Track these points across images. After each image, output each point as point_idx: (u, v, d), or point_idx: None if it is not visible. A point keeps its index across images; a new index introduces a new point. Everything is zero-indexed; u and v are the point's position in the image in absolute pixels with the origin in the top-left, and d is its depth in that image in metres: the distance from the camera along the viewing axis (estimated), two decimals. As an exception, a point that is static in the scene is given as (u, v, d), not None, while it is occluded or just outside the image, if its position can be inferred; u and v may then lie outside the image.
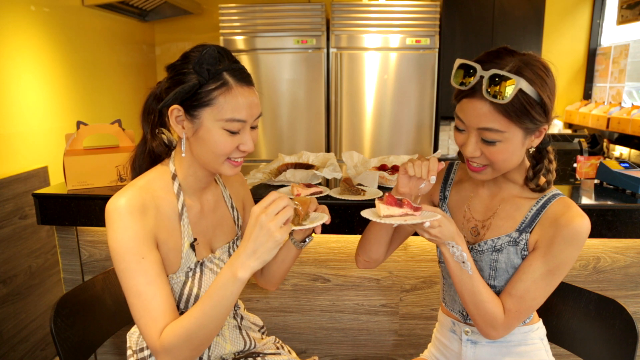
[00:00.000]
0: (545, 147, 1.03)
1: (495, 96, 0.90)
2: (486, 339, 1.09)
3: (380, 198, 1.01)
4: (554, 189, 1.05)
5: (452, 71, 0.98)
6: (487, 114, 0.92)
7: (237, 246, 1.14)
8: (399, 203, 0.99)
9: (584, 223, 0.97)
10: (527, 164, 1.06)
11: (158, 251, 0.97)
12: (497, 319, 1.02)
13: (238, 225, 1.18)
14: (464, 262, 1.00)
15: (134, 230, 0.92)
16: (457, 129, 1.01)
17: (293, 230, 1.15)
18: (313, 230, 1.16)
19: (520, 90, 0.89)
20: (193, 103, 0.95)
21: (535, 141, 0.99)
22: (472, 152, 0.97)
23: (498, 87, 0.90)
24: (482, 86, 0.91)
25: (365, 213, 1.02)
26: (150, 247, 0.94)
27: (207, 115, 0.95)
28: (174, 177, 1.03)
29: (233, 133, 0.96)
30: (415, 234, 1.22)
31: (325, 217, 1.03)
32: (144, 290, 0.91)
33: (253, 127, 1.01)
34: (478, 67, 0.93)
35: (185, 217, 1.02)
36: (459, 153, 1.15)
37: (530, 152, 1.03)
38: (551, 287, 1.01)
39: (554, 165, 1.04)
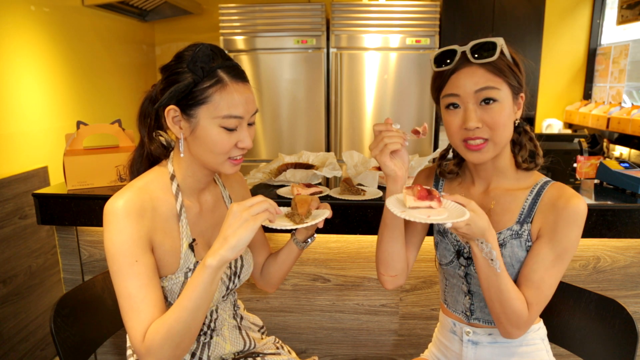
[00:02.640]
0: (522, 127, 1.08)
1: (483, 57, 0.97)
2: (506, 338, 1.07)
3: (410, 186, 0.95)
4: (544, 177, 1.07)
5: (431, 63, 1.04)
6: (482, 75, 0.97)
7: None
8: (430, 196, 0.92)
9: (581, 203, 0.98)
10: (511, 150, 1.09)
11: (152, 254, 0.97)
12: (522, 317, 1.00)
13: None
14: (492, 260, 0.96)
15: (129, 233, 0.93)
16: (450, 108, 1.01)
17: (296, 229, 1.15)
18: (315, 231, 1.16)
19: (501, 49, 0.97)
20: (189, 102, 0.95)
21: (518, 113, 1.03)
22: (475, 122, 0.97)
23: (483, 51, 0.97)
24: (467, 56, 0.98)
25: (390, 204, 0.95)
26: (144, 251, 0.95)
27: (203, 114, 0.95)
28: (173, 177, 1.03)
29: (230, 130, 0.96)
30: (430, 233, 1.21)
31: (327, 212, 1.03)
32: (135, 293, 0.92)
33: (250, 124, 1.01)
34: (456, 47, 1.00)
35: (184, 217, 1.02)
36: (439, 165, 1.17)
37: (516, 123, 1.05)
38: (561, 272, 1.01)
39: (536, 142, 1.08)
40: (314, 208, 1.06)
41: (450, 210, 0.93)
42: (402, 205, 0.96)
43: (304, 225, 0.99)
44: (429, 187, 0.95)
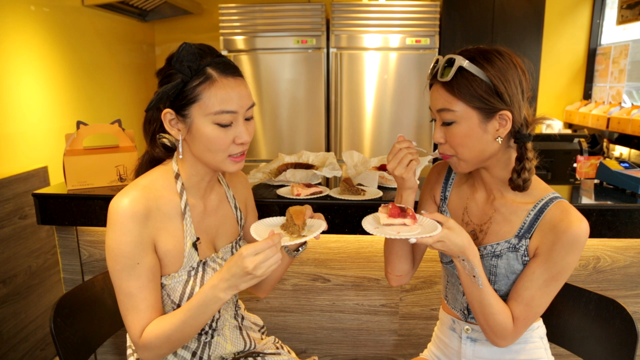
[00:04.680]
0: (524, 144, 1.01)
1: (441, 75, 0.97)
2: (495, 346, 1.08)
3: (386, 204, 1.01)
4: (551, 192, 1.03)
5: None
6: (440, 95, 0.99)
7: (239, 246, 1.14)
8: (402, 213, 0.98)
9: (583, 227, 0.96)
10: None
11: (155, 254, 0.98)
12: (507, 330, 1.01)
13: (241, 225, 1.19)
14: (474, 276, 0.99)
15: (133, 235, 0.94)
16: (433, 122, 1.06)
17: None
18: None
19: (461, 68, 0.95)
20: (181, 102, 0.95)
21: (501, 130, 0.98)
22: (437, 138, 1.02)
23: (444, 69, 0.97)
24: (438, 71, 0.99)
25: (365, 221, 1.02)
26: (146, 252, 0.96)
27: (195, 112, 0.95)
28: (177, 176, 1.03)
29: (224, 126, 0.96)
30: None
31: (323, 224, 1.02)
32: (135, 293, 0.95)
33: (247, 119, 1.00)
34: (440, 57, 1.00)
35: (188, 216, 1.03)
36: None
37: (499, 141, 1.00)
38: (555, 292, 1.00)
39: (532, 163, 1.01)
40: (307, 217, 1.06)
41: (424, 227, 0.97)
42: (378, 222, 1.01)
43: (305, 239, 0.97)
44: (402, 206, 1.00)
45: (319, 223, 1.04)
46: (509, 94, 0.95)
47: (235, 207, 1.17)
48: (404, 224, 0.97)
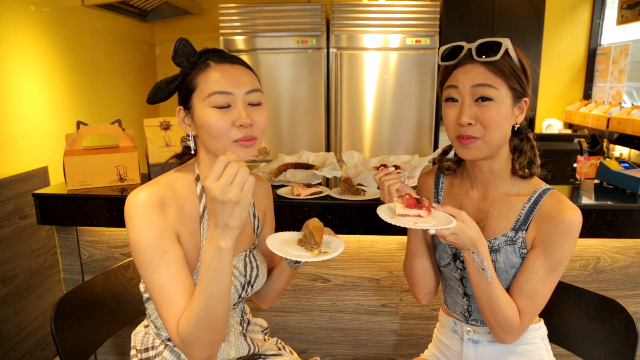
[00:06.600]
0: (525, 134, 1.06)
1: (486, 56, 0.98)
2: (501, 343, 1.09)
3: (400, 196, 1.01)
4: (543, 184, 1.06)
5: (438, 56, 1.07)
6: (481, 72, 0.99)
7: (253, 255, 1.13)
8: (418, 205, 0.97)
9: (576, 215, 0.99)
10: (511, 155, 1.08)
11: (181, 245, 0.96)
12: (513, 324, 1.02)
13: (257, 234, 1.18)
14: (483, 269, 0.99)
15: (156, 224, 0.92)
16: (448, 102, 1.03)
17: (303, 261, 1.11)
18: None
19: (507, 51, 0.98)
20: (185, 95, 0.97)
21: (520, 117, 1.03)
22: (466, 119, 0.99)
23: (487, 50, 0.98)
24: (472, 53, 0.99)
25: (380, 210, 1.01)
26: (172, 242, 0.94)
27: (196, 100, 0.96)
28: (198, 178, 1.03)
29: (222, 108, 0.94)
30: None
31: (342, 243, 1.01)
32: (167, 284, 0.90)
33: (252, 104, 0.97)
34: (464, 43, 1.02)
35: (206, 219, 1.01)
36: (439, 161, 1.20)
37: (515, 128, 1.04)
38: (555, 282, 1.02)
39: (536, 151, 1.07)
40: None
41: (438, 220, 0.97)
42: (392, 213, 1.00)
43: (327, 257, 0.95)
44: (419, 197, 0.99)
45: (337, 241, 1.03)
46: (530, 82, 1.02)
47: (254, 216, 1.16)
48: (419, 215, 0.97)
